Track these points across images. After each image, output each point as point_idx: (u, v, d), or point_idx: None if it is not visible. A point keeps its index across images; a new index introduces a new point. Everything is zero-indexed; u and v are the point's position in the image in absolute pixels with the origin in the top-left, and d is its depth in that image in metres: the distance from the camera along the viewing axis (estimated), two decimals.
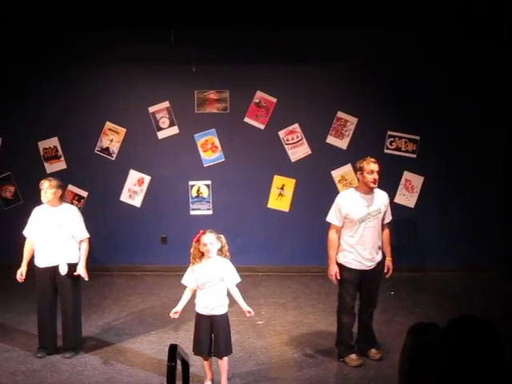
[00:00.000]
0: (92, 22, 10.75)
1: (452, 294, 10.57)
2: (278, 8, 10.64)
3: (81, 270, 7.91)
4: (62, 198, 8.09)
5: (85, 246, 8.09)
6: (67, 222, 7.96)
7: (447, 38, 11.12)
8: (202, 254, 6.96)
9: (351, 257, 7.64)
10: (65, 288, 7.99)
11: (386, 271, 7.90)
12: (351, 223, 7.61)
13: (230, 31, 11.07)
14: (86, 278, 7.99)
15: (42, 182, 7.98)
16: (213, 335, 6.99)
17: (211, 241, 6.88)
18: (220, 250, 6.99)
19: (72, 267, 7.91)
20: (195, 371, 7.17)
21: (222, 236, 7.03)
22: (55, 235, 7.91)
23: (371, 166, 7.55)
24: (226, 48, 11.35)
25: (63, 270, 7.84)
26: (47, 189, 7.89)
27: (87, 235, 8.15)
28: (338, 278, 7.65)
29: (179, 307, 7.07)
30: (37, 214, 8.07)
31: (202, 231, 6.96)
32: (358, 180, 7.82)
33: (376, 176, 7.56)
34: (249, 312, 7.12)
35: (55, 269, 7.88)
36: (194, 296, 7.09)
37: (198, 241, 6.93)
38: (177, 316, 7.11)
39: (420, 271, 11.90)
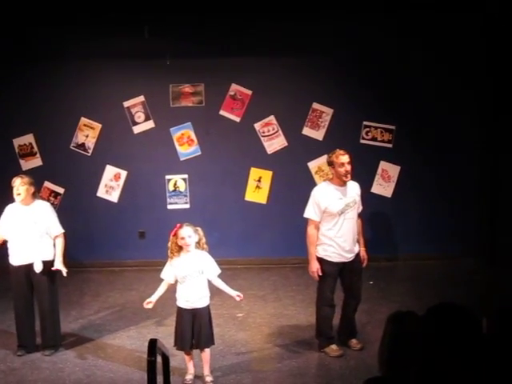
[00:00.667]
0: (65, 18, 10.69)
1: (430, 282, 10.65)
2: (252, 0, 10.63)
3: (59, 265, 7.84)
4: (34, 195, 8.03)
5: (60, 242, 8.01)
6: (41, 219, 7.90)
7: (422, 27, 11.18)
8: (180, 248, 6.95)
9: (331, 250, 7.63)
10: (41, 285, 7.94)
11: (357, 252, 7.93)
12: (330, 216, 7.60)
13: (203, 24, 11.07)
14: (65, 273, 7.89)
15: (14, 179, 7.92)
16: (195, 328, 6.99)
17: (189, 234, 6.88)
18: (197, 243, 6.99)
19: (47, 264, 7.86)
20: (176, 365, 7.17)
21: (199, 229, 7.03)
22: (29, 233, 7.86)
23: (341, 158, 7.53)
24: (201, 41, 11.33)
25: (38, 268, 7.79)
26: (19, 186, 7.83)
27: (62, 230, 8.09)
28: (320, 274, 7.64)
29: (153, 298, 7.10)
30: (9, 211, 8.02)
31: (178, 225, 6.95)
32: (332, 174, 7.81)
33: (348, 167, 7.54)
34: (238, 296, 7.14)
35: (30, 266, 7.83)
36: (173, 290, 7.09)
37: (176, 235, 6.92)
38: (151, 306, 7.12)
39: (398, 260, 11.98)
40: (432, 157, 11.95)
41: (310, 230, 7.70)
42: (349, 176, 7.59)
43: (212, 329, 7.15)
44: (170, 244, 7.00)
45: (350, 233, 7.69)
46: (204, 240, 7.05)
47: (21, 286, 7.95)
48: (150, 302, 7.09)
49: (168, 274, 7.06)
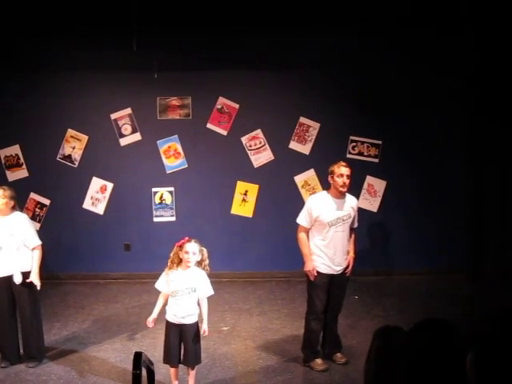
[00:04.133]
0: (53, 29, 10.67)
1: (416, 297, 10.65)
2: (240, 14, 10.66)
3: (33, 278, 7.77)
4: (13, 208, 7.95)
5: (37, 254, 7.94)
6: (18, 231, 7.83)
7: (409, 42, 11.22)
8: (180, 261, 6.89)
9: (320, 261, 7.69)
10: (22, 297, 7.89)
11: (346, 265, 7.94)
12: (321, 226, 7.67)
13: (191, 37, 11.06)
14: (38, 286, 7.86)
15: None
16: (182, 344, 6.94)
17: (194, 250, 6.81)
18: (199, 263, 6.92)
19: (26, 276, 7.78)
20: (160, 379, 7.14)
21: (204, 249, 6.95)
22: (7, 245, 7.80)
23: (341, 169, 7.66)
24: (188, 54, 11.34)
25: (17, 279, 7.73)
26: (0, 198, 7.79)
27: (39, 242, 8.00)
28: (317, 272, 7.67)
29: (155, 314, 6.99)
30: None
31: (187, 238, 6.88)
32: (330, 184, 7.87)
33: (345, 180, 7.64)
34: (204, 331, 7.04)
35: (10, 278, 7.78)
36: (165, 302, 7.06)
37: (181, 246, 6.84)
38: (153, 324, 7.02)
39: (384, 275, 11.96)
40: (418, 172, 11.98)
41: (300, 234, 7.83)
42: (344, 188, 7.69)
43: (200, 346, 7.09)
44: (172, 254, 6.93)
45: (340, 246, 7.77)
46: (207, 262, 6.97)
47: (2, 298, 7.89)
48: (153, 320, 6.99)
49: (163, 284, 6.97)
